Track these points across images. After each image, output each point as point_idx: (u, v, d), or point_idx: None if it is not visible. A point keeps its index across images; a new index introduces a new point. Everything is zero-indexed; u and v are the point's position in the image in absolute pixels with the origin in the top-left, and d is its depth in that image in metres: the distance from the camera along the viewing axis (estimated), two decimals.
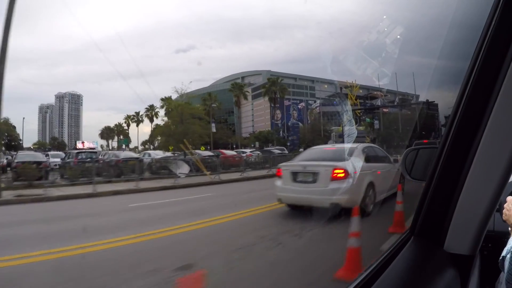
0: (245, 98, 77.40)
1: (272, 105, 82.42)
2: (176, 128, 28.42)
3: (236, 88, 78.24)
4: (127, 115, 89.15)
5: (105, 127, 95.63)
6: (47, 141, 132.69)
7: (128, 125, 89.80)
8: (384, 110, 77.42)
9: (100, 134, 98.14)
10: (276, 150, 39.47)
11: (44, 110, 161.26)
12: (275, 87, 74.63)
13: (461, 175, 1.20)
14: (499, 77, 1.04)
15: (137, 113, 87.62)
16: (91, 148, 77.35)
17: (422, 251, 1.33)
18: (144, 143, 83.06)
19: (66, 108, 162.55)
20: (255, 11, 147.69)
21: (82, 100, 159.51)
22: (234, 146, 59.90)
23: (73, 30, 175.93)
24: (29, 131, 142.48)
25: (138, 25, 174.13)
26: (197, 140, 31.37)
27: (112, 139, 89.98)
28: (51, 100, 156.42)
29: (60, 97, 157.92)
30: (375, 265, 1.25)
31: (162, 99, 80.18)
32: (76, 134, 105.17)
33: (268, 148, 43.38)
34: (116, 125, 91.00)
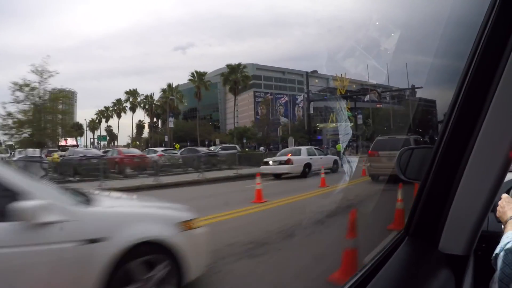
0: (207, 88, 67.85)
1: (263, 100, 77.73)
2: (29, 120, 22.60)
3: (197, 78, 67.32)
4: (98, 110, 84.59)
5: (74, 123, 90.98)
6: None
7: (100, 121, 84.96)
8: (378, 105, 73.36)
9: (68, 131, 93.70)
10: (207, 149, 33.24)
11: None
12: (235, 75, 64.40)
13: (456, 175, 1.22)
14: (495, 77, 1.07)
15: (106, 108, 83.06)
16: (73, 145, 73.41)
17: (417, 252, 1.35)
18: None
19: (60, 105, 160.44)
20: (254, 9, 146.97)
21: (76, 97, 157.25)
22: (207, 143, 54.12)
23: (72, 27, 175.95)
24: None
25: (136, 22, 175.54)
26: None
27: (81, 136, 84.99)
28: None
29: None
30: (369, 265, 1.27)
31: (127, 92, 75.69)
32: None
33: (197, 147, 36.87)
34: (90, 120, 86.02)
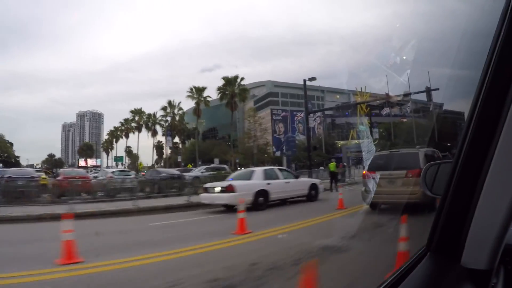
0: (206, 105, 63.72)
1: (274, 116, 76.24)
2: None
3: (196, 92, 62.75)
4: (110, 130, 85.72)
5: (84, 144, 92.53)
6: (69, 159, 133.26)
7: (111, 142, 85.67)
8: (402, 119, 71.24)
9: (78, 151, 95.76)
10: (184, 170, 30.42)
11: (67, 129, 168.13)
12: (231, 87, 59.70)
13: (477, 188, 1.22)
14: (511, 88, 1.08)
15: (116, 128, 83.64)
16: (94, 166, 74.59)
17: (438, 267, 1.34)
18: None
19: (87, 127, 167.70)
20: (278, 28, 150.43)
21: (103, 118, 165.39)
22: (200, 163, 51.19)
23: (101, 52, 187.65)
24: (54, 148, 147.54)
25: (163, 45, 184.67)
26: None
27: (91, 157, 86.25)
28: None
29: (81, 116, 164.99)
30: (389, 280, 1.29)
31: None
32: (96, 152, 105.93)
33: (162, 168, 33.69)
34: (103, 142, 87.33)
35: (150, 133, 77.67)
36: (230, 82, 59.78)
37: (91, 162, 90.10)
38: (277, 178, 14.46)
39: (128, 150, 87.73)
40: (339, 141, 71.36)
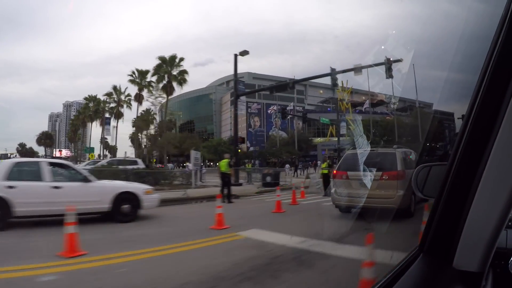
0: (150, 91, 54.98)
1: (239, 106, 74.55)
2: None
3: (138, 76, 55.83)
4: (71, 119, 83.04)
5: (43, 132, 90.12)
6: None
7: (74, 131, 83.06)
8: (387, 118, 71.46)
9: (37, 140, 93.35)
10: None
11: (53, 119, 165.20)
12: (166, 68, 52.03)
13: (471, 191, 1.26)
14: (507, 92, 1.11)
15: (76, 116, 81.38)
16: (68, 157, 73.36)
17: (431, 268, 1.40)
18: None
19: (73, 117, 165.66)
20: (273, 25, 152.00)
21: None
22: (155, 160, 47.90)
23: (95, 43, 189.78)
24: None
25: (157, 38, 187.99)
26: None
27: (51, 146, 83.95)
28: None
29: (67, 106, 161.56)
30: (382, 282, 1.34)
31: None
32: (82, 143, 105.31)
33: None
34: (68, 131, 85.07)
35: (99, 122, 70.33)
36: (166, 62, 51.92)
37: (66, 153, 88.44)
38: (36, 179, 9.09)
39: (105, 142, 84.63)
40: (316, 138, 70.34)
